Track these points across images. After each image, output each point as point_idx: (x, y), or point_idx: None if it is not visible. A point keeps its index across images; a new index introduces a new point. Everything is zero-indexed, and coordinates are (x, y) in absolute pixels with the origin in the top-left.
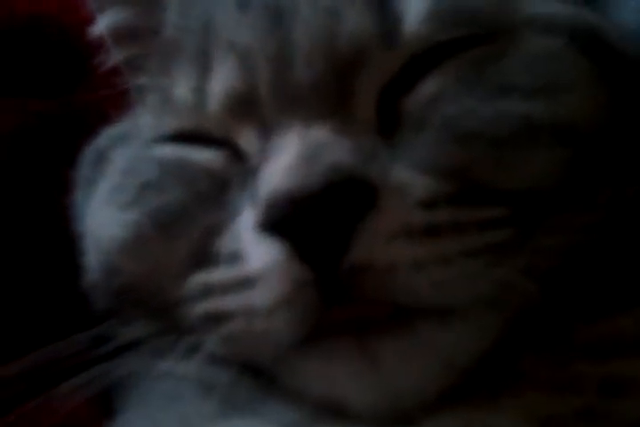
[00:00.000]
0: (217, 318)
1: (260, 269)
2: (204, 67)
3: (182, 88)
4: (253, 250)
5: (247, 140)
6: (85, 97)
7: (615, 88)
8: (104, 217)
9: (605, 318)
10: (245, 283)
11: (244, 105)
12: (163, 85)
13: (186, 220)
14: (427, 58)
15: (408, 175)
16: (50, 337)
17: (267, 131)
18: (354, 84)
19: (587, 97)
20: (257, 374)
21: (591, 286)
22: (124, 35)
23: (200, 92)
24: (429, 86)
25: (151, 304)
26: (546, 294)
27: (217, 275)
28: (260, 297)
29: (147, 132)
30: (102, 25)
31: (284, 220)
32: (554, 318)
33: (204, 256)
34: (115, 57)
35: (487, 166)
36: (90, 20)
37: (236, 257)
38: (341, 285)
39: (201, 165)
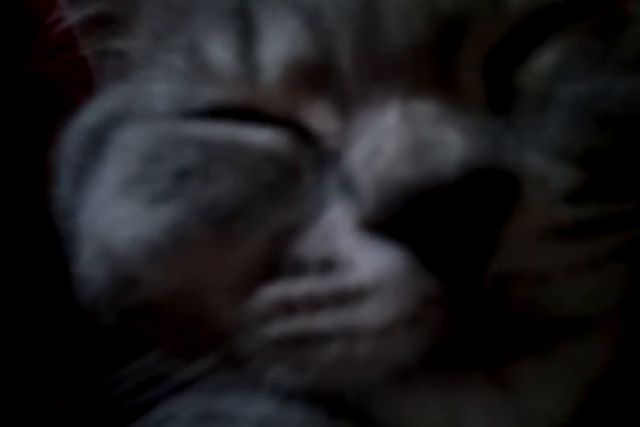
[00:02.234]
0: (302, 343)
1: (372, 279)
2: (246, 27)
3: (219, 51)
4: (359, 256)
5: (319, 117)
6: (38, 63)
7: None
8: (119, 214)
9: None
10: (348, 297)
11: (315, 75)
12: (182, 46)
13: (248, 217)
14: (541, 23)
15: (545, 163)
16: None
17: (347, 107)
18: (457, 51)
19: None
20: (350, 412)
21: None
22: None
23: (248, 57)
24: (548, 57)
25: (191, 326)
26: None
27: (303, 287)
28: (370, 315)
29: (166, 104)
30: None
31: (404, 218)
32: None
33: (277, 264)
34: (73, 16)
35: (626, 151)
36: None
37: (331, 265)
38: (482, 299)
39: (259, 147)
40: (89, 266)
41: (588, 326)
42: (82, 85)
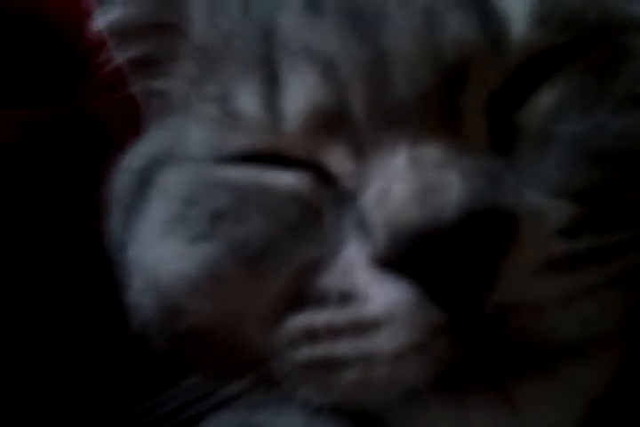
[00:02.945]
0: (325, 366)
1: (385, 312)
2: (270, 78)
3: (247, 102)
4: (373, 290)
5: (338, 160)
6: (89, 104)
7: None
8: (163, 251)
9: None
10: (365, 327)
11: (332, 122)
12: (214, 95)
13: (275, 254)
14: (538, 66)
15: (541, 200)
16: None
17: (361, 150)
18: (460, 96)
19: None
20: (372, 425)
21: None
22: (132, 31)
23: (272, 107)
24: (547, 98)
25: (230, 351)
26: None
27: (324, 317)
28: (384, 343)
29: (200, 150)
30: (106, 20)
31: (411, 256)
32: None
33: (302, 296)
34: (120, 56)
35: (620, 185)
36: (88, 14)
37: (349, 297)
38: (484, 328)
39: (284, 189)
40: (139, 295)
41: (587, 348)
42: (131, 122)
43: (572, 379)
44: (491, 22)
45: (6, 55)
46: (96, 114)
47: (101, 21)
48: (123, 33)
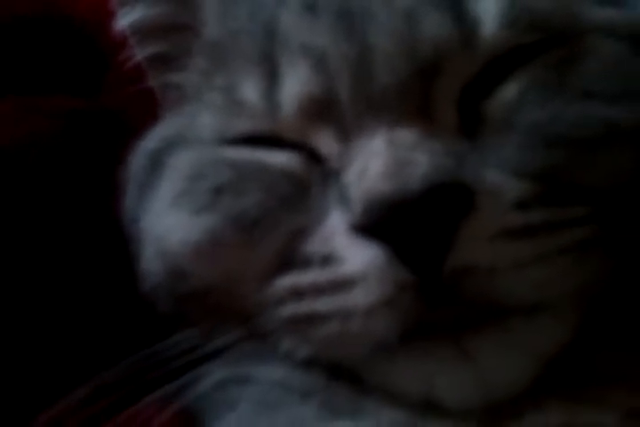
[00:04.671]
0: (307, 321)
1: (359, 271)
2: (271, 71)
3: (250, 92)
4: (350, 252)
5: (326, 142)
6: (111, 96)
7: None
8: (171, 221)
9: None
10: (342, 285)
11: (322, 109)
12: (221, 85)
13: (268, 223)
14: (504, 61)
15: (500, 178)
16: (121, 342)
17: (346, 134)
18: (434, 87)
19: None
20: (346, 376)
21: None
22: (152, 31)
23: (271, 96)
24: (510, 90)
25: (226, 308)
26: (624, 289)
27: (308, 277)
28: (358, 299)
29: (208, 133)
30: (128, 20)
31: (383, 223)
32: (627, 315)
33: (290, 259)
34: (140, 54)
35: (573, 167)
36: (112, 15)
37: (329, 260)
38: (442, 287)
39: (278, 167)
40: (149, 263)
41: (540, 309)
42: (149, 112)
43: (524, 336)
44: (464, 22)
45: (39, 51)
46: (118, 104)
47: (124, 22)
48: (143, 32)
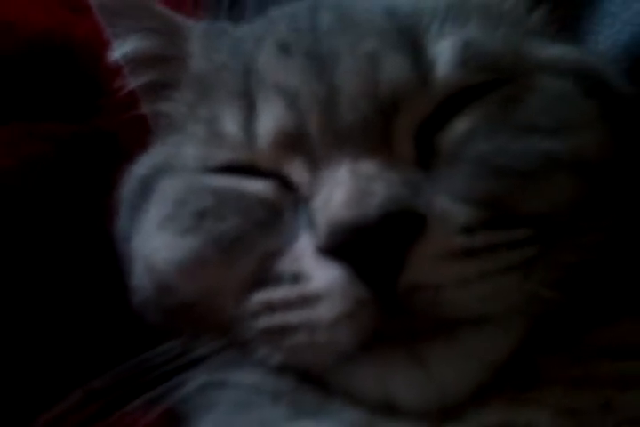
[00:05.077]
0: (279, 332)
1: (324, 288)
2: (248, 106)
3: (229, 124)
4: (316, 272)
5: (297, 172)
6: (105, 121)
7: (616, 125)
8: (158, 242)
9: (619, 322)
10: (309, 300)
11: (293, 142)
12: (205, 117)
13: (245, 245)
14: (457, 99)
15: (449, 205)
16: (113, 351)
17: (315, 164)
18: (394, 123)
19: (594, 134)
20: (313, 381)
21: (602, 295)
22: (143, 61)
23: (248, 129)
24: (461, 125)
25: (208, 321)
26: (564, 302)
27: (279, 293)
28: (323, 313)
29: (192, 162)
30: (121, 51)
31: (344, 246)
32: (568, 322)
33: (264, 277)
34: (132, 82)
35: (516, 195)
36: (108, 45)
37: (298, 278)
38: (397, 301)
39: (254, 194)
40: (139, 279)
41: (486, 321)
42: (141, 137)
43: (471, 345)
44: (420, 65)
45: (40, 78)
46: (112, 128)
47: (117, 53)
48: (136, 62)
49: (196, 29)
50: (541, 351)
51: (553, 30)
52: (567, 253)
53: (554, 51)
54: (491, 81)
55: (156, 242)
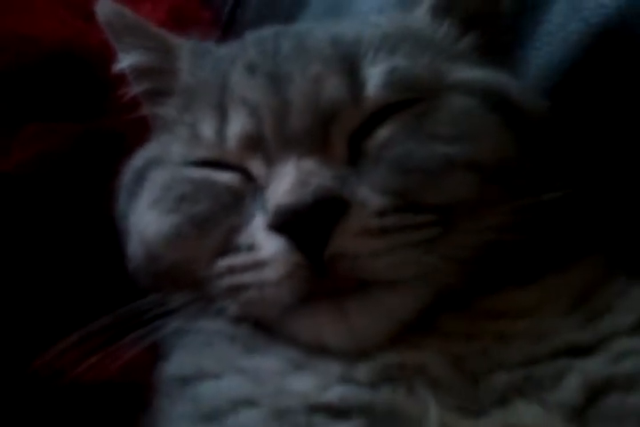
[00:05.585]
0: (237, 289)
1: (270, 256)
2: (221, 115)
3: (206, 129)
4: (265, 243)
5: (256, 167)
6: (111, 121)
7: (519, 133)
8: (148, 219)
9: (500, 291)
10: (259, 265)
11: (254, 143)
12: (189, 122)
13: (214, 222)
14: (381, 113)
15: (368, 194)
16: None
17: (270, 161)
18: (331, 131)
19: (491, 140)
20: (262, 327)
21: (496, 268)
22: (143, 72)
23: (220, 133)
24: (383, 133)
25: (185, 281)
26: (465, 273)
27: (238, 260)
28: (269, 274)
29: (177, 157)
30: (125, 63)
31: (286, 224)
32: (466, 289)
33: (227, 247)
34: (135, 89)
35: (421, 189)
36: (115, 55)
37: (252, 248)
38: (324, 266)
39: (223, 183)
40: (133, 248)
41: (395, 285)
42: (141, 135)
43: (382, 302)
44: (355, 87)
45: (54, 82)
46: (118, 128)
47: (122, 64)
48: (137, 72)
49: (185, 48)
50: (443, 310)
51: (479, 54)
52: (467, 234)
53: (469, 73)
54: (411, 99)
55: (146, 219)
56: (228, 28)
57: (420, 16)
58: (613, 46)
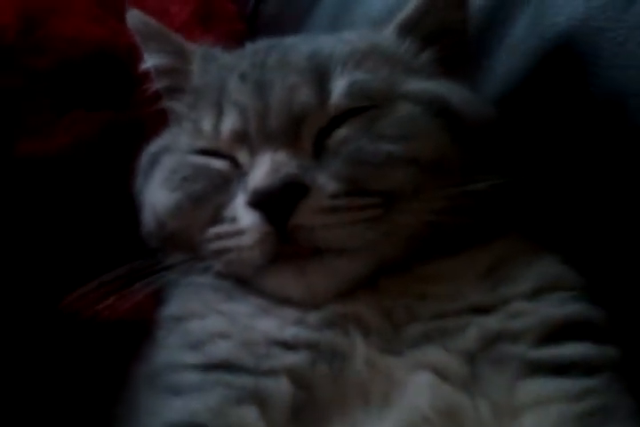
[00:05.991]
0: (222, 252)
1: (247, 226)
2: (219, 113)
3: (206, 124)
4: (244, 216)
5: (242, 156)
6: (135, 112)
7: (458, 134)
8: (159, 195)
9: (434, 260)
10: (238, 233)
11: (241, 137)
12: (194, 118)
13: (207, 199)
14: (342, 117)
15: (325, 181)
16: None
17: (253, 152)
18: (301, 130)
19: (430, 141)
20: (240, 282)
21: (430, 244)
22: (163, 72)
23: (216, 128)
24: (341, 133)
25: (183, 244)
26: (404, 246)
27: (223, 228)
28: (246, 240)
29: (183, 146)
30: (149, 63)
31: (260, 202)
32: (406, 258)
33: (216, 219)
34: (156, 85)
35: (368, 178)
36: (140, 58)
37: (234, 219)
38: (287, 235)
39: (216, 169)
40: (146, 217)
41: (344, 252)
42: (160, 125)
43: (333, 265)
44: (322, 95)
45: (91, 77)
46: (141, 118)
47: (147, 63)
48: (158, 71)
49: (197, 53)
50: (385, 272)
51: (441, 66)
52: (405, 215)
53: (419, 85)
54: (367, 106)
55: (157, 195)
56: (252, 22)
57: (388, 34)
58: (562, 61)
